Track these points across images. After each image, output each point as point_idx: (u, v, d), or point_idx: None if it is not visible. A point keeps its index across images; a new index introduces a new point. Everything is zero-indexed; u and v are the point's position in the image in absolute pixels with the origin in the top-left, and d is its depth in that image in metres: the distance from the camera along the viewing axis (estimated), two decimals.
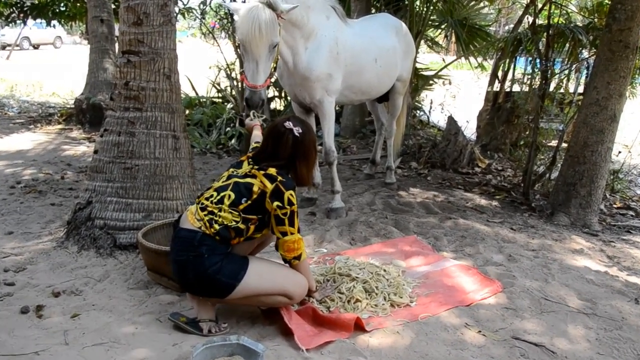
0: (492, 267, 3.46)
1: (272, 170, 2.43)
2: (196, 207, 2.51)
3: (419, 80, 8.08)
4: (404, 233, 4.13)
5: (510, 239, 4.07)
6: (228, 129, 7.35)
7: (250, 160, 2.57)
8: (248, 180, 2.44)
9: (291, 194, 2.41)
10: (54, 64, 16.80)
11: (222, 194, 2.45)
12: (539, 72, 5.50)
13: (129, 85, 3.54)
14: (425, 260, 3.53)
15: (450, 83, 8.18)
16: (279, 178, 2.41)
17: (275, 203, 2.37)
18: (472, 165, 6.66)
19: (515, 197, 5.47)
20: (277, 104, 8.54)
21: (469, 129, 7.74)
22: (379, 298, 2.85)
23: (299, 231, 2.47)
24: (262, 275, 2.45)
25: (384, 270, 3.16)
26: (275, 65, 3.71)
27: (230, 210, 2.40)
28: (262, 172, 2.43)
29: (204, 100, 8.24)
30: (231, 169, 2.59)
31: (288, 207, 2.39)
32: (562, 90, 6.54)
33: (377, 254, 3.62)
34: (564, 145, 5.49)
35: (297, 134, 2.50)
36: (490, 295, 3.01)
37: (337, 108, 8.80)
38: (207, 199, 2.49)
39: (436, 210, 4.85)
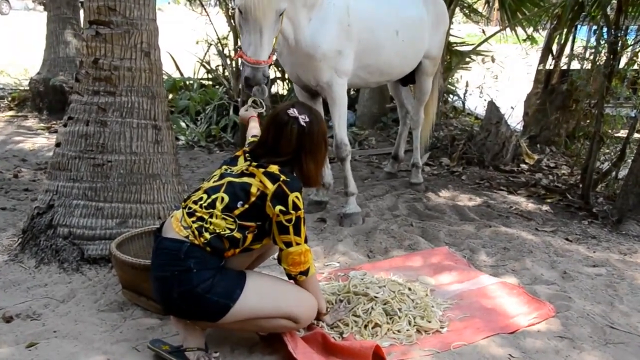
0: (543, 286, 3.45)
1: (273, 168, 2.44)
2: (182, 212, 2.51)
3: (453, 58, 8.06)
4: (432, 244, 4.13)
5: (565, 252, 4.06)
6: (220, 117, 7.40)
7: (247, 155, 2.57)
8: (245, 179, 2.45)
9: (297, 197, 2.42)
10: (1, 35, 16.61)
11: (213, 196, 2.46)
12: (606, 45, 5.41)
13: (99, 63, 3.55)
14: (459, 277, 3.53)
15: (493, 60, 8.15)
16: (282, 177, 2.41)
17: (278, 207, 2.38)
18: (517, 162, 6.63)
19: (571, 200, 5.45)
20: (279, 88, 8.57)
21: (514, 117, 7.72)
22: (403, 322, 2.86)
23: (306, 241, 2.48)
24: (263, 294, 2.46)
25: (409, 289, 3.16)
26: (275, 41, 3.72)
27: (223, 215, 2.41)
28: (262, 169, 2.44)
29: (191, 82, 8.28)
30: (224, 167, 2.59)
31: (293, 212, 2.40)
32: (635, 67, 6.43)
33: (401, 269, 3.62)
34: (636, 135, 5.45)
35: (302, 123, 2.50)
36: (539, 320, 3.00)
37: (352, 92, 8.92)
38: (195, 202, 2.50)
39: (472, 216, 4.84)
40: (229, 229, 2.40)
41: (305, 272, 2.51)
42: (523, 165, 6.58)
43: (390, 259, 3.84)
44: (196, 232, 2.39)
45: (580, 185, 5.60)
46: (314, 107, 4.59)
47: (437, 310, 3.04)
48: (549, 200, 5.45)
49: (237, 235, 2.41)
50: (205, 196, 2.48)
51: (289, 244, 2.44)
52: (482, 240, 4.22)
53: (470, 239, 4.24)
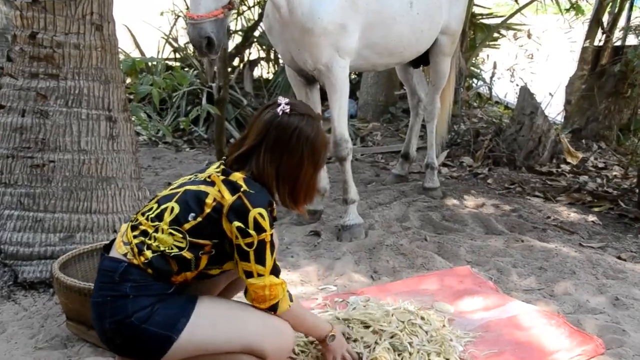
0: (589, 315, 3.44)
1: (237, 177, 2.39)
2: (127, 226, 2.51)
3: (477, 33, 8.08)
4: (451, 263, 4.13)
5: (617, 273, 4.05)
6: (191, 107, 7.39)
7: (223, 160, 2.57)
8: (202, 187, 2.42)
9: (260, 214, 2.34)
10: None
11: (164, 206, 2.44)
12: None
13: (37, 38, 3.53)
14: (484, 303, 3.53)
15: (528, 36, 8.17)
16: (244, 187, 2.37)
17: (236, 224, 2.35)
18: (557, 161, 6.64)
19: (625, 209, 5.46)
20: (263, 71, 8.59)
21: (554, 106, 7.74)
22: (415, 359, 2.84)
23: (275, 272, 2.42)
24: (217, 322, 2.41)
25: (422, 318, 3.14)
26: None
27: (171, 230, 2.37)
28: (223, 177, 2.42)
29: (154, 64, 8.25)
30: (195, 173, 2.60)
31: (254, 233, 2.33)
32: None
33: (412, 293, 3.61)
34: None
35: (279, 110, 2.45)
36: (586, 358, 2.99)
37: (352, 77, 8.88)
38: (143, 213, 2.48)
39: (500, 228, 4.84)
40: (177, 247, 2.36)
41: (274, 308, 2.45)
42: (564, 166, 6.59)
43: (400, 281, 3.83)
44: (135, 250, 2.37)
45: (637, 190, 5.61)
46: (309, 95, 4.68)
47: (457, 345, 3.02)
48: (596, 209, 5.46)
49: (188, 255, 2.37)
50: (155, 206, 2.46)
51: (249, 274, 2.39)
52: (513, 259, 4.22)
53: (498, 257, 4.24)
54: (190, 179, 2.53)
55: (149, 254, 2.35)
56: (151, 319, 2.31)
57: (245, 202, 2.33)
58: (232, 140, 7.01)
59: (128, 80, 7.42)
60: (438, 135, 5.80)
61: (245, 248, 2.33)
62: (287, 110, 2.45)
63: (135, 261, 2.35)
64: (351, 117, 7.99)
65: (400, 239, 4.47)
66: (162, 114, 7.45)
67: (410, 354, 2.86)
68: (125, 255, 2.37)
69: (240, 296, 2.92)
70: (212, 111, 5.77)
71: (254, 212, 2.32)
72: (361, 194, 4.97)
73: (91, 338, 2.99)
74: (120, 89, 3.79)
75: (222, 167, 2.47)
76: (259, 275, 2.37)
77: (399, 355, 2.86)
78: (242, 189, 2.35)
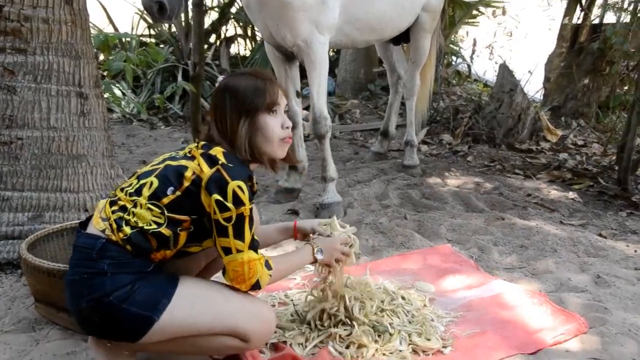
0: (571, 293, 3.43)
1: (216, 150, 2.39)
2: (106, 201, 2.46)
3: (456, 10, 8.05)
4: (432, 241, 4.12)
5: (598, 251, 4.06)
6: (166, 84, 7.32)
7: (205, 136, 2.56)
8: (183, 162, 2.41)
9: (239, 187, 2.32)
10: None
11: (143, 181, 2.42)
12: None
13: (4, 12, 3.48)
14: (465, 282, 3.51)
15: (503, 13, 8.17)
16: (222, 160, 2.35)
17: (215, 197, 2.32)
18: (536, 139, 6.66)
19: (605, 186, 5.47)
20: (240, 47, 8.51)
21: (533, 84, 7.75)
22: (395, 341, 2.81)
23: (253, 248, 2.40)
24: (198, 303, 2.38)
25: (403, 298, 3.13)
26: None
27: (149, 205, 2.34)
28: (203, 151, 2.40)
29: (128, 39, 8.17)
30: (177, 151, 2.57)
31: (233, 207, 2.32)
32: None
33: (392, 272, 3.60)
34: None
35: (218, 82, 2.53)
36: (569, 337, 2.96)
37: (331, 54, 8.86)
38: (122, 189, 2.46)
39: (481, 206, 4.85)
40: (156, 222, 2.33)
41: (255, 287, 2.42)
42: (544, 143, 6.61)
43: (380, 260, 3.81)
44: (114, 225, 2.33)
45: (616, 168, 5.62)
46: (289, 72, 4.65)
47: (438, 325, 3.01)
48: (576, 187, 5.47)
49: (166, 232, 2.34)
50: (135, 182, 2.45)
51: (227, 251, 2.36)
52: (494, 237, 4.22)
53: (479, 235, 4.23)
54: (171, 155, 2.53)
55: (127, 230, 2.32)
56: (131, 299, 2.28)
57: (224, 175, 2.32)
58: (208, 118, 6.94)
59: (101, 57, 7.35)
60: (418, 113, 5.82)
61: (224, 223, 2.31)
62: (225, 75, 2.55)
63: (113, 237, 2.32)
64: (329, 94, 7.96)
65: (379, 218, 4.45)
66: (136, 91, 7.40)
67: (391, 334, 2.84)
68: (103, 231, 2.34)
69: (218, 276, 2.90)
70: (188, 88, 5.70)
71: (232, 185, 2.30)
72: (340, 172, 4.95)
73: (60, 320, 2.94)
74: (92, 65, 3.76)
75: (202, 142, 2.47)
76: (238, 251, 2.35)
77: (379, 336, 2.84)
78: (220, 162, 2.34)
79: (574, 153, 6.44)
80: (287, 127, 2.54)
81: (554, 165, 5.98)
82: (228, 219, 2.30)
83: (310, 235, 2.83)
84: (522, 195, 5.17)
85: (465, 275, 3.58)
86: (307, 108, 5.60)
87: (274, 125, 2.48)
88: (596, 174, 5.75)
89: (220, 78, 2.53)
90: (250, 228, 2.36)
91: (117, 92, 7.17)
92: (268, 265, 2.43)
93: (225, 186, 2.30)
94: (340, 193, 4.70)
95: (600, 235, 4.36)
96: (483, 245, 4.06)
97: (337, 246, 2.76)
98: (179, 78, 7.26)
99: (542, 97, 7.82)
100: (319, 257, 2.69)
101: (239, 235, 2.33)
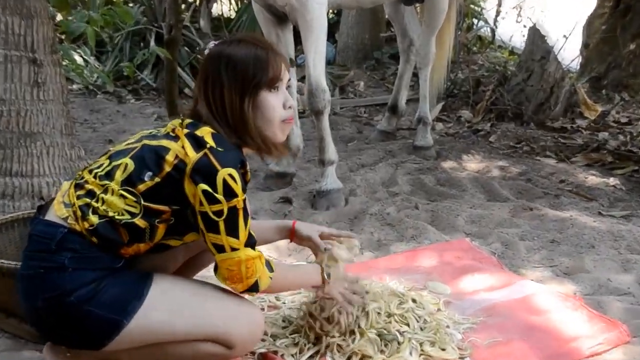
0: (612, 297, 3.43)
1: (204, 130, 2.35)
2: (71, 184, 2.44)
3: None
4: (448, 235, 4.13)
5: None
6: (136, 50, 7.30)
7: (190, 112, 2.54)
8: (164, 142, 2.37)
9: (231, 176, 2.29)
10: None
11: (116, 162, 2.38)
12: None
13: None
14: (486, 282, 3.52)
15: None
16: (211, 144, 2.32)
17: (202, 187, 2.30)
18: (572, 116, 6.65)
19: None
20: (224, 7, 8.49)
21: (569, 51, 7.72)
22: (405, 351, 2.80)
23: (251, 245, 2.39)
24: (176, 305, 2.38)
25: (414, 301, 3.12)
26: None
27: (122, 191, 2.31)
28: (188, 131, 2.37)
29: None
30: (158, 128, 2.54)
31: (224, 199, 2.30)
32: None
33: (401, 271, 3.60)
34: None
35: (208, 48, 2.48)
36: (609, 347, 2.95)
37: (331, 15, 8.82)
38: (91, 171, 2.43)
39: (505, 194, 4.85)
40: (129, 212, 2.30)
41: (253, 289, 2.41)
42: (580, 121, 6.59)
43: (386, 257, 3.82)
44: (78, 213, 2.30)
45: None
46: (282, 36, 4.64)
47: (454, 332, 3.00)
48: (619, 171, 5.48)
49: (141, 223, 2.31)
50: (106, 162, 2.41)
51: (220, 248, 2.34)
52: (520, 230, 4.22)
53: (503, 228, 4.24)
54: (151, 132, 2.50)
55: (94, 219, 2.28)
56: (95, 299, 2.25)
57: (212, 161, 2.28)
58: (186, 91, 6.93)
59: (58, 17, 7.31)
60: (433, 85, 5.79)
61: (214, 217, 2.28)
62: (216, 42, 2.51)
63: (77, 227, 2.29)
64: (329, 63, 7.92)
65: (386, 207, 4.45)
66: (101, 58, 7.37)
67: (399, 343, 2.83)
68: (65, 219, 2.31)
69: (202, 275, 2.93)
70: (162, 55, 5.69)
71: (223, 173, 2.27)
72: (341, 154, 4.94)
73: (10, 327, 2.94)
74: (47, 27, 3.74)
75: (187, 119, 2.44)
76: (233, 249, 2.33)
77: (385, 345, 2.82)
78: (208, 145, 2.30)
79: (616, 132, 6.43)
80: (290, 107, 2.52)
81: (593, 147, 5.97)
82: (218, 213, 2.28)
83: (320, 254, 2.81)
84: (554, 182, 5.16)
85: (487, 274, 3.58)
86: (302, 79, 5.58)
87: (276, 104, 2.45)
88: None
89: (211, 44, 2.49)
90: (246, 222, 2.33)
91: (78, 59, 7.15)
92: (269, 267, 2.42)
93: (214, 175, 2.27)
94: (341, 178, 4.70)
95: None
96: (508, 240, 4.06)
97: (346, 285, 2.74)
98: (152, 43, 7.25)
99: (579, 67, 7.81)
100: (330, 286, 2.67)
101: (233, 231, 2.31)
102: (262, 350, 2.76)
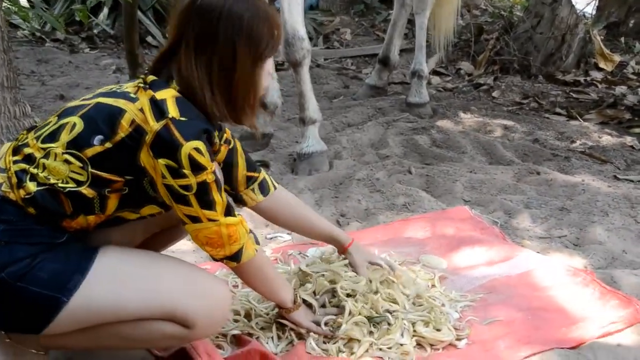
0: (627, 270, 3.44)
1: (167, 94, 2.32)
2: (10, 146, 2.41)
3: None
4: (444, 202, 4.15)
5: None
6: None
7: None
8: (121, 103, 2.33)
9: (197, 149, 2.25)
10: None
11: (63, 120, 2.36)
12: None
13: None
14: (487, 255, 3.53)
15: None
16: (172, 113, 2.28)
17: (163, 162, 2.27)
18: (585, 67, 6.65)
19: None
20: None
21: None
22: (396, 332, 2.82)
23: (229, 213, 2.39)
24: (125, 280, 2.34)
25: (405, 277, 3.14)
26: None
27: (67, 155, 2.29)
28: (151, 92, 2.33)
29: None
30: (121, 84, 2.51)
31: (191, 174, 2.28)
32: None
33: (392, 243, 3.62)
34: None
35: None
36: (623, 327, 2.96)
37: None
38: (37, 131, 2.39)
39: (510, 156, 4.88)
40: (75, 180, 2.27)
41: (235, 257, 2.42)
42: (595, 73, 6.60)
43: (375, 227, 3.83)
44: (14, 180, 2.28)
45: None
46: None
47: (451, 312, 3.02)
48: (637, 130, 5.51)
49: (88, 192, 2.28)
50: (54, 120, 2.38)
51: (195, 219, 2.35)
52: (526, 197, 4.25)
53: (506, 194, 4.26)
54: (111, 89, 2.45)
55: (32, 186, 2.26)
56: (30, 275, 2.22)
57: (174, 133, 2.24)
58: (148, 39, 6.90)
59: None
60: (440, 37, 5.75)
61: (182, 191, 2.28)
62: None
63: (12, 195, 2.26)
64: (310, 8, 7.92)
65: (376, 172, 4.47)
66: (49, 0, 7.28)
67: (390, 324, 2.85)
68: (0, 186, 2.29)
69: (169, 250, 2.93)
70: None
71: (187, 148, 2.25)
72: (324, 112, 4.94)
73: None
74: None
75: (151, 77, 2.39)
76: (210, 220, 2.34)
77: (374, 326, 2.85)
78: (169, 115, 2.26)
79: (635, 86, 6.44)
80: (270, 74, 2.53)
81: (608, 102, 5.99)
82: (186, 187, 2.27)
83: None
84: (565, 142, 5.19)
85: (487, 246, 3.58)
86: None
87: (267, 74, 2.45)
88: None
89: None
90: (220, 191, 2.34)
91: (22, 1, 7.08)
92: (255, 238, 2.43)
93: (178, 150, 2.24)
94: (325, 139, 4.72)
95: None
96: (511, 208, 4.08)
97: (314, 320, 2.78)
98: None
99: (595, 11, 7.81)
100: (298, 312, 2.72)
101: (207, 204, 2.32)
102: (236, 332, 2.77)
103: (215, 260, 2.48)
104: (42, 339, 2.36)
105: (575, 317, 3.03)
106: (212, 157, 2.33)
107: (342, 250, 2.97)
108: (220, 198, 2.34)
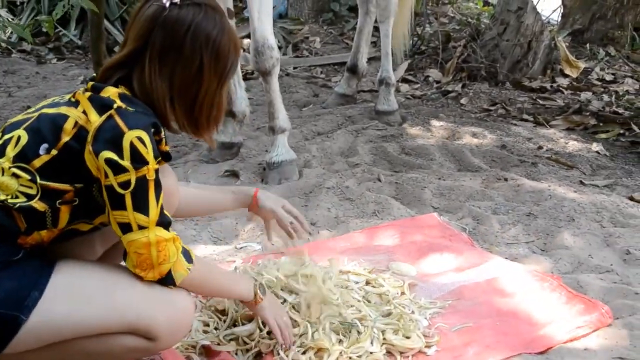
0: (592, 275, 3.48)
1: (110, 91, 2.29)
2: None
3: None
4: (413, 209, 4.16)
5: (628, 219, 4.10)
6: (57, 1, 7.20)
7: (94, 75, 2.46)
8: (63, 110, 2.30)
9: (139, 139, 2.21)
10: None
11: (8, 135, 2.32)
12: None
13: None
14: (456, 262, 3.55)
15: None
16: (117, 104, 2.25)
17: (105, 155, 2.22)
18: (551, 74, 6.68)
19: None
20: None
21: (549, 1, 7.76)
22: (365, 341, 2.82)
23: (164, 224, 2.31)
24: (81, 292, 2.30)
25: (374, 285, 3.16)
26: None
27: (15, 169, 2.25)
28: (90, 94, 2.29)
29: None
30: (64, 95, 2.45)
31: (131, 167, 2.21)
32: None
33: (361, 251, 3.62)
34: None
35: (167, 2, 2.32)
36: (589, 331, 3.00)
37: None
38: None
39: (478, 163, 4.89)
40: (25, 194, 2.23)
41: (167, 279, 2.33)
42: (561, 80, 6.64)
43: (345, 235, 3.84)
44: None
45: None
46: None
47: (420, 319, 3.02)
48: (602, 136, 5.54)
49: (39, 206, 2.24)
50: None
51: (126, 227, 2.27)
52: (494, 203, 4.26)
53: (474, 201, 4.28)
54: (54, 100, 2.42)
55: None
56: None
57: (118, 122, 2.20)
58: (116, 49, 6.87)
59: None
60: (396, 41, 5.77)
61: (119, 190, 2.20)
62: (177, 1, 2.33)
63: None
64: (280, 16, 7.91)
65: (345, 180, 4.47)
66: (15, 10, 7.24)
67: (359, 332, 2.85)
68: None
69: None
70: (87, 7, 5.60)
71: (130, 136, 2.19)
72: (294, 121, 4.96)
73: None
74: None
75: (91, 83, 2.34)
76: (140, 227, 2.25)
77: (344, 334, 2.84)
78: (115, 105, 2.23)
79: (600, 92, 6.49)
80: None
81: (574, 108, 6.02)
82: (125, 184, 2.20)
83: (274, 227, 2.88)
84: (532, 149, 5.20)
85: (456, 253, 3.61)
86: (247, 36, 5.56)
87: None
88: (629, 118, 5.81)
89: (166, 1, 2.31)
90: (158, 197, 2.26)
91: None
92: (187, 256, 2.35)
93: (120, 137, 2.19)
94: (294, 148, 4.71)
95: (631, 198, 4.40)
96: (479, 214, 4.10)
97: (284, 313, 2.75)
98: None
99: (560, 18, 7.85)
100: (262, 305, 2.64)
101: (141, 206, 2.23)
102: (205, 343, 2.76)
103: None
104: (3, 358, 2.29)
105: (543, 322, 3.06)
106: (156, 153, 2.26)
107: (253, 200, 2.92)
108: (156, 204, 2.26)
